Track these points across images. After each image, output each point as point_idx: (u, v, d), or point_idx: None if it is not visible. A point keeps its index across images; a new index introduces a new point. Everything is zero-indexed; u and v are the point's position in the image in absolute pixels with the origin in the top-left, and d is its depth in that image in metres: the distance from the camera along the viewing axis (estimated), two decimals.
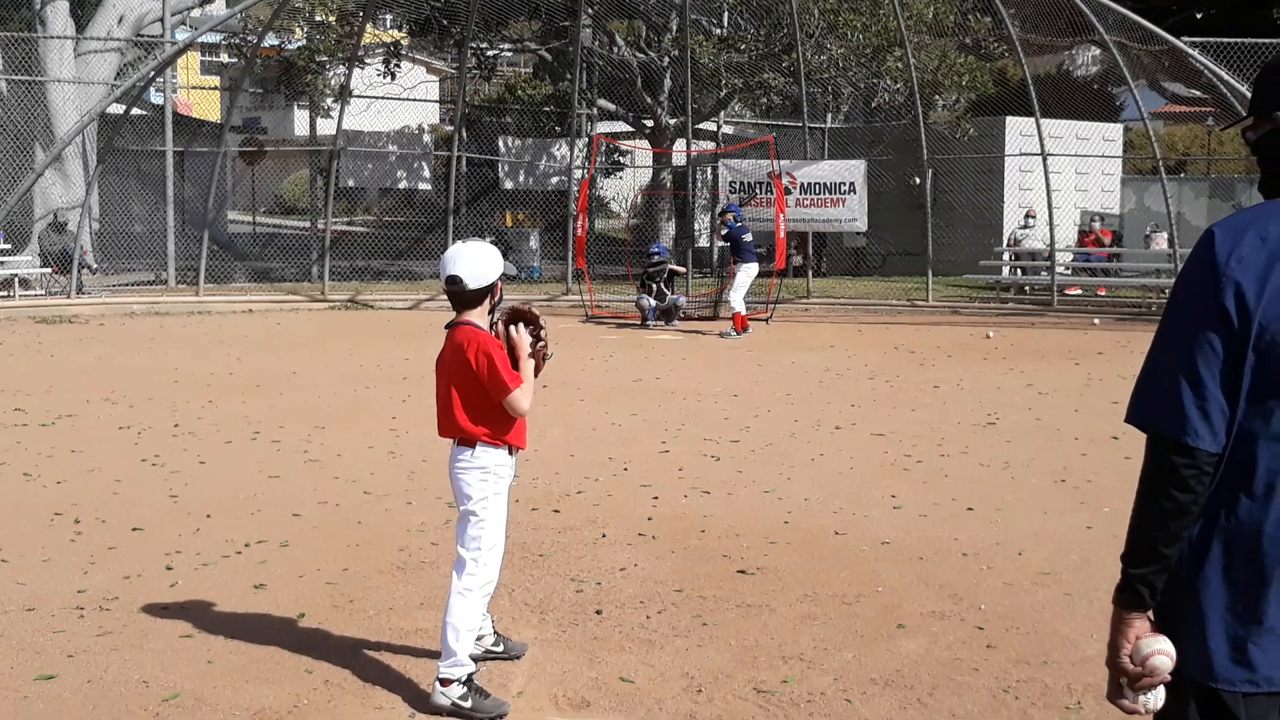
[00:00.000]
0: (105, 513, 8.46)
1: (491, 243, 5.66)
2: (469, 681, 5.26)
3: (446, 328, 5.44)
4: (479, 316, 5.38)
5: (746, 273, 19.88)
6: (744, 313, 19.58)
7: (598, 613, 6.47)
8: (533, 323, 5.52)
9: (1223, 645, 2.66)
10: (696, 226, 28.32)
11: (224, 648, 5.97)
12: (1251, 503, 2.64)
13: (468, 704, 5.21)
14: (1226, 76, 20.20)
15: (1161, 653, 2.70)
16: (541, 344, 5.53)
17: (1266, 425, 2.62)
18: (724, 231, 20.37)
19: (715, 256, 28.20)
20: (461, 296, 5.33)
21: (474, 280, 5.29)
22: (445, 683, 5.24)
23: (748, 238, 20.29)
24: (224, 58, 34.56)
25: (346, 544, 7.78)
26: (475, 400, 5.31)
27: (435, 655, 5.41)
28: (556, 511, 8.57)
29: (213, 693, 5.43)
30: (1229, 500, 2.66)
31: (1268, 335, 2.58)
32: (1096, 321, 21.11)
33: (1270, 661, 2.64)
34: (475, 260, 5.32)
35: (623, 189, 32.76)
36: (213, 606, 6.56)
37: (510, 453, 5.41)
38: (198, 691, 5.44)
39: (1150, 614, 2.76)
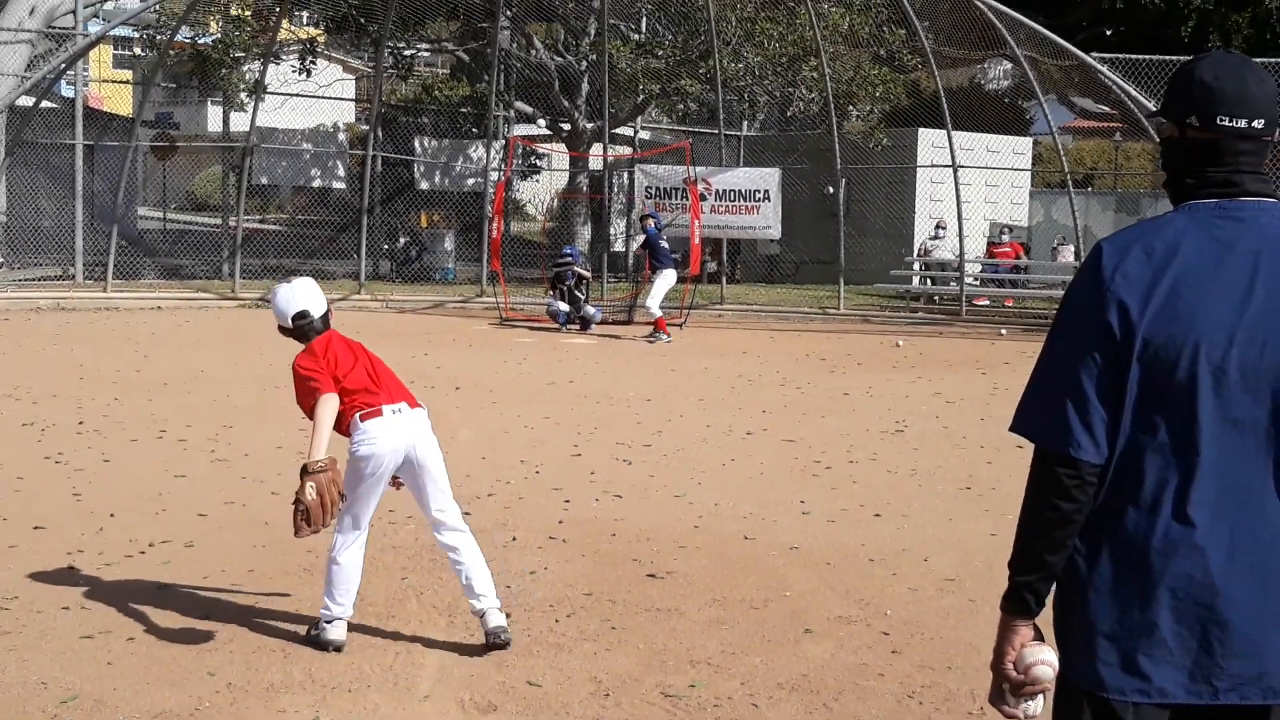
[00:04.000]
0: (6, 510, 8.31)
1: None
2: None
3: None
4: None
5: (665, 279, 19.89)
6: (662, 316, 19.58)
7: (506, 616, 6.44)
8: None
9: (1113, 655, 2.69)
10: (612, 231, 28.33)
11: (125, 649, 5.89)
12: (1139, 514, 2.68)
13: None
14: (1134, 93, 20.57)
15: (1044, 663, 2.75)
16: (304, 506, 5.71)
17: (1153, 438, 2.67)
18: (642, 239, 20.41)
19: (630, 261, 28.24)
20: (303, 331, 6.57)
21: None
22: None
23: (664, 244, 20.35)
24: (137, 51, 34.05)
25: (253, 545, 7.71)
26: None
27: (341, 658, 5.38)
28: (467, 514, 8.47)
29: (113, 694, 5.36)
30: (1117, 512, 2.70)
31: (1151, 349, 2.64)
32: (1004, 332, 21.37)
33: (1161, 673, 2.66)
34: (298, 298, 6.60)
35: (539, 192, 32.67)
36: (114, 607, 6.46)
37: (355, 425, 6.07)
38: (97, 693, 5.37)
39: (1035, 622, 2.80)
